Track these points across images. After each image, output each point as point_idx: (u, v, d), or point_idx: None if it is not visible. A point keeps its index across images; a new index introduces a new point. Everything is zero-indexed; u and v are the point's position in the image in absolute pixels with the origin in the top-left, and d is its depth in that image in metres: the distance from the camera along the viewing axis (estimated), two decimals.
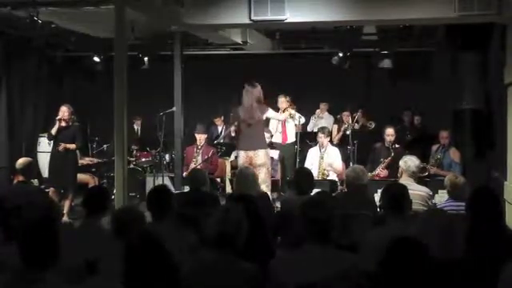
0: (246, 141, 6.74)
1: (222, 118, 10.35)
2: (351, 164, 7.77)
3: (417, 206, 4.60)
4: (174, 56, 8.23)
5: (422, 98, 9.56)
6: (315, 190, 5.02)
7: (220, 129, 10.41)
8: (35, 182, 7.32)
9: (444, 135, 7.64)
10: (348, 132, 8.67)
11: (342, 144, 8.71)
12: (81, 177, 8.16)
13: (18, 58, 9.29)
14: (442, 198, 5.35)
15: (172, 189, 7.02)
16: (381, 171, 7.30)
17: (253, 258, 2.93)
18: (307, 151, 8.03)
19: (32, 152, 9.20)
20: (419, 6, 6.28)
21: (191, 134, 8.83)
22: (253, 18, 6.54)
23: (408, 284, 2.35)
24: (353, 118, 9.02)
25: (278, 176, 8.10)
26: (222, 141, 9.85)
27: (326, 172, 7.53)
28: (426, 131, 9.22)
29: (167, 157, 9.63)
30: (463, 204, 3.86)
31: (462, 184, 4.79)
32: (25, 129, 9.57)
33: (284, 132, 8.94)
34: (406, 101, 9.77)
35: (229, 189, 8.03)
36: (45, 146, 8.92)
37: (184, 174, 7.99)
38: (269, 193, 6.53)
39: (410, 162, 5.30)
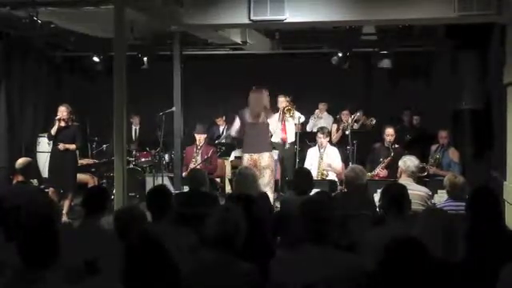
0: (251, 144, 6.73)
1: (224, 117, 10.35)
2: (351, 164, 7.77)
3: (416, 206, 4.60)
4: (174, 56, 8.23)
5: (421, 97, 9.57)
6: (314, 190, 5.01)
7: (221, 129, 10.42)
8: (35, 182, 7.30)
9: (443, 135, 7.64)
10: (347, 132, 8.67)
11: (341, 144, 8.71)
12: (80, 177, 8.16)
13: (18, 57, 9.29)
14: (441, 197, 5.36)
15: (171, 189, 7.06)
16: (380, 171, 7.30)
17: (252, 258, 2.93)
18: (307, 151, 8.04)
19: (32, 152, 9.20)
20: (419, 6, 6.28)
21: (191, 134, 8.83)
22: (252, 18, 6.54)
23: (407, 284, 2.35)
24: (352, 119, 9.02)
25: (278, 176, 8.10)
26: (223, 141, 9.85)
27: (325, 172, 7.54)
28: (426, 131, 9.22)
29: (167, 157, 9.63)
30: (463, 204, 3.87)
31: (462, 184, 4.79)
32: (24, 129, 9.58)
33: (284, 132, 8.94)
34: (405, 101, 9.77)
35: (228, 189, 8.04)
36: (44, 145, 8.93)
37: (183, 174, 7.99)
38: (271, 195, 6.55)
39: (409, 161, 5.31)
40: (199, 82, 10.10)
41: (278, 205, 6.47)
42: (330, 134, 8.25)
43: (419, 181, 5.68)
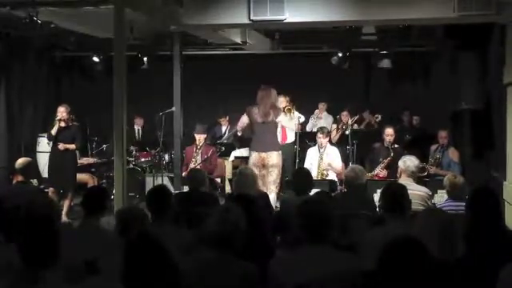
0: (259, 142, 6.73)
1: (227, 117, 10.34)
2: (351, 164, 7.77)
3: (416, 206, 4.59)
4: (174, 56, 8.23)
5: (421, 97, 9.58)
6: (314, 190, 5.02)
7: (224, 129, 10.40)
8: (34, 182, 7.31)
9: (443, 135, 7.64)
10: (347, 132, 8.67)
11: (341, 144, 8.71)
12: (80, 177, 8.16)
13: (18, 57, 9.29)
14: (441, 197, 5.36)
15: (171, 189, 7.06)
16: (380, 171, 7.30)
17: (252, 258, 2.93)
18: (306, 151, 8.04)
19: (31, 152, 9.19)
20: (419, 6, 6.29)
21: (191, 134, 8.83)
22: (252, 18, 6.55)
23: (407, 284, 2.35)
24: (353, 120, 9.01)
25: None
26: (225, 141, 9.84)
27: (325, 172, 7.53)
28: (425, 131, 9.23)
29: (166, 157, 9.62)
30: (462, 204, 3.87)
31: (461, 184, 4.79)
32: (24, 129, 9.58)
33: (283, 132, 8.94)
34: (405, 101, 9.78)
35: (228, 189, 8.03)
36: (44, 145, 8.92)
37: (183, 174, 8.00)
38: (274, 195, 6.56)
39: (409, 161, 5.31)
40: (199, 82, 10.10)
41: (277, 205, 6.47)
42: (329, 133, 8.25)
43: (419, 181, 5.68)
